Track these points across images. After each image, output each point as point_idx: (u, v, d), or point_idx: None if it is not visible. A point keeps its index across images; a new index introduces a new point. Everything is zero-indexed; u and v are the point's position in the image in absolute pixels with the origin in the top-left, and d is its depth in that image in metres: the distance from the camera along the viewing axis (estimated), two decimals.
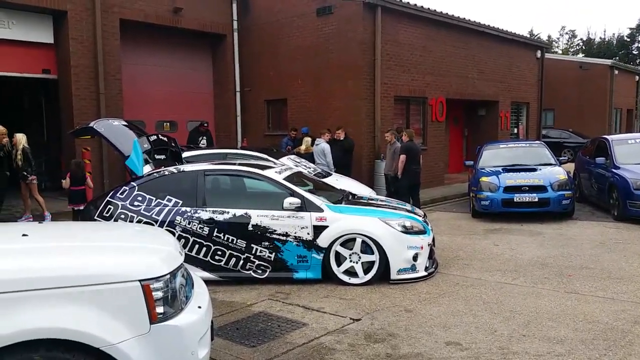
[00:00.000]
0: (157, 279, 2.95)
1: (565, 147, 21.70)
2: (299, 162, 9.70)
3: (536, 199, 9.67)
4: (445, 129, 15.92)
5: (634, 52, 44.91)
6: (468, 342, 4.44)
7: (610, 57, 37.05)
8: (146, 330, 2.87)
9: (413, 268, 6.15)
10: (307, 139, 11.76)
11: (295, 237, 6.06)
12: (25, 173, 8.99)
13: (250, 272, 6.14)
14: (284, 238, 6.07)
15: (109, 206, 6.23)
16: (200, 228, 6.08)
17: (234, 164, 6.96)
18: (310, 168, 9.71)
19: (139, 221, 6.08)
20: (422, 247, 6.20)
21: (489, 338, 4.51)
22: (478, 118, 18.03)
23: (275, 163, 8.33)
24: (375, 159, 12.81)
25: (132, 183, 6.40)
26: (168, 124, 14.10)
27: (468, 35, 15.65)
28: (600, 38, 49.36)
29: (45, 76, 11.98)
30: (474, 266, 6.84)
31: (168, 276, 3.03)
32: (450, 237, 8.58)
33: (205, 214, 6.10)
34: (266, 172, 6.43)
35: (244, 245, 6.07)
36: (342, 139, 11.70)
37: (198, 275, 4.17)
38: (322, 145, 11.15)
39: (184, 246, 6.02)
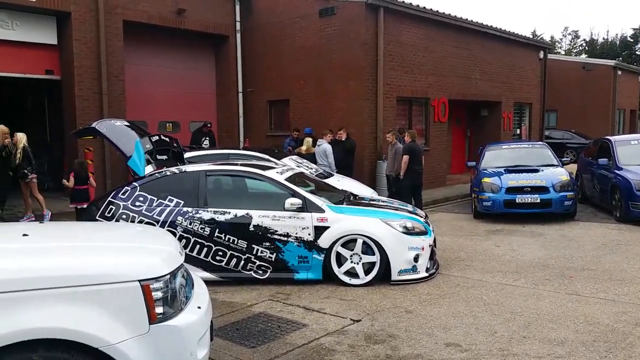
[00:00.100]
0: (156, 279, 2.96)
1: (568, 148, 21.65)
2: (300, 163, 9.71)
3: (538, 200, 9.65)
4: (448, 129, 15.91)
5: (637, 52, 44.75)
6: (468, 343, 4.44)
7: (614, 57, 36.94)
8: (145, 331, 2.87)
9: (414, 269, 6.15)
10: (308, 140, 11.76)
11: (296, 237, 6.06)
12: (25, 171, 9.05)
13: (251, 272, 6.15)
14: (285, 239, 6.07)
15: (111, 206, 6.25)
16: (201, 228, 6.09)
17: (236, 164, 6.97)
18: (312, 169, 9.72)
19: (141, 221, 6.10)
20: (423, 248, 6.20)
21: (489, 339, 4.50)
22: (480, 119, 18.01)
23: (276, 164, 8.34)
24: (377, 159, 12.82)
25: (133, 183, 6.41)
26: (170, 124, 14.13)
27: (470, 35, 15.64)
28: (604, 39, 49.21)
29: (49, 77, 12.02)
30: (475, 267, 6.84)
31: (168, 276, 3.04)
32: (451, 238, 8.57)
33: (206, 215, 6.12)
34: (267, 173, 6.44)
35: (245, 246, 6.08)
36: (343, 139, 11.71)
37: (199, 275, 4.18)
38: (324, 145, 11.16)
39: (185, 246, 6.03)
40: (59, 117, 12.34)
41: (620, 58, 40.06)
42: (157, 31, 13.18)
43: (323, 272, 6.11)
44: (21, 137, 9.12)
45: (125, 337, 2.80)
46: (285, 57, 13.97)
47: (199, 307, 3.26)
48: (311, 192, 6.49)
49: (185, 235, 6.09)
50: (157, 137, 7.41)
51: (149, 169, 6.69)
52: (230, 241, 6.08)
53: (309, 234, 6.05)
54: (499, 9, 70.33)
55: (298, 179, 6.81)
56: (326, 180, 8.55)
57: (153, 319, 2.90)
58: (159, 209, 6.19)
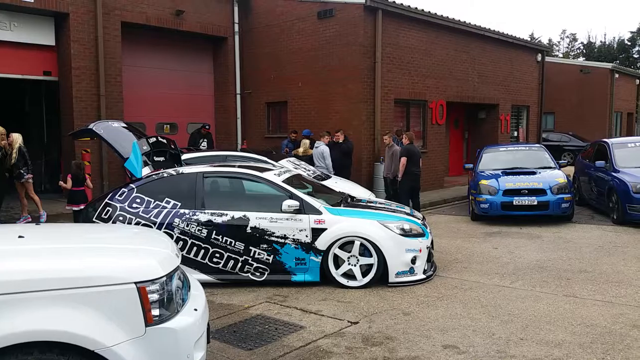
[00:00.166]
0: (153, 281, 2.95)
1: (565, 151, 21.69)
2: (298, 165, 9.70)
3: (535, 202, 9.66)
4: (446, 132, 15.93)
5: (634, 55, 44.92)
6: (465, 345, 4.43)
7: (611, 60, 37.07)
8: (141, 333, 2.86)
9: (411, 271, 6.14)
10: (305, 142, 11.75)
11: (293, 239, 6.06)
12: (21, 171, 9.04)
13: (249, 274, 6.14)
14: (283, 240, 6.06)
15: (108, 208, 6.24)
16: (198, 230, 6.08)
17: (233, 166, 6.96)
18: (309, 170, 9.71)
19: (137, 223, 6.09)
20: (420, 250, 6.19)
21: (486, 342, 4.50)
22: (478, 121, 18.04)
23: (274, 165, 8.34)
24: (374, 161, 12.82)
25: (130, 185, 6.40)
26: (168, 126, 14.13)
27: (468, 38, 15.67)
28: (601, 42, 49.42)
29: (46, 78, 12.02)
30: (473, 269, 6.84)
31: (164, 278, 3.03)
32: (449, 240, 8.57)
33: (203, 216, 6.11)
34: (265, 175, 6.44)
35: (242, 248, 6.07)
36: (341, 141, 11.71)
37: (196, 277, 4.17)
38: (322, 147, 11.15)
39: (182, 248, 6.02)
40: (56, 119, 12.32)
41: (618, 61, 40.21)
42: (155, 32, 13.18)
43: (320, 274, 6.10)
44: (16, 137, 9.12)
45: (121, 340, 2.78)
46: (284, 59, 13.97)
47: (195, 310, 3.25)
48: (309, 194, 6.48)
49: (183, 237, 6.08)
50: (154, 139, 7.40)
51: (146, 171, 6.68)
52: (228, 243, 6.07)
53: (307, 236, 6.05)
54: (497, 11, 70.54)
55: (295, 180, 6.81)
56: (324, 182, 8.55)
57: (149, 321, 2.89)
58: (156, 210, 6.17)
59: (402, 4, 13.21)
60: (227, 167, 6.85)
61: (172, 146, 7.62)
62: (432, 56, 14.46)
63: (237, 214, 6.10)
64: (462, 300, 5.59)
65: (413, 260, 6.12)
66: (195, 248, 6.09)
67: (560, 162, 11.42)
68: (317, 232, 6.04)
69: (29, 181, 9.21)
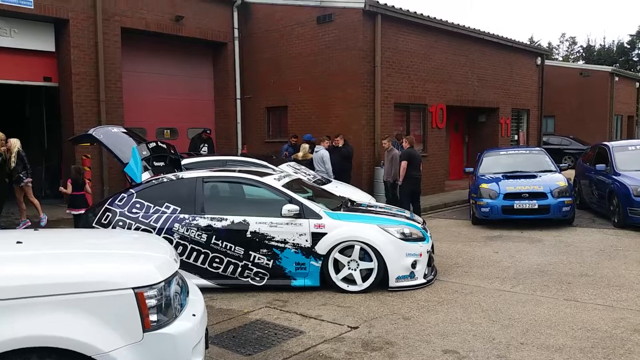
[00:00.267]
0: (151, 286, 2.94)
1: (565, 154, 21.67)
2: (298, 169, 9.70)
3: (536, 206, 9.64)
4: (446, 135, 15.92)
5: (634, 58, 44.93)
6: (466, 350, 4.41)
7: (611, 63, 37.12)
8: (139, 339, 2.85)
9: (412, 275, 6.13)
10: (305, 146, 11.75)
11: (293, 244, 6.04)
12: (20, 175, 9.06)
13: (248, 279, 6.12)
14: (282, 245, 6.05)
15: (107, 213, 6.23)
16: (198, 235, 6.07)
17: (233, 170, 6.96)
18: (309, 175, 9.71)
19: (137, 228, 6.08)
20: (420, 255, 6.18)
21: (487, 346, 4.48)
22: (478, 125, 18.04)
23: (274, 170, 8.33)
24: (375, 165, 12.82)
25: (130, 190, 6.40)
26: (168, 131, 14.14)
27: (468, 42, 15.69)
28: (601, 45, 49.44)
29: (47, 84, 12.04)
30: (473, 273, 6.82)
31: (162, 284, 3.02)
32: (449, 244, 8.56)
33: (203, 221, 6.10)
34: (265, 179, 6.43)
35: (242, 253, 6.06)
36: (341, 145, 11.70)
37: (196, 282, 4.17)
38: (322, 152, 11.16)
39: (182, 253, 6.01)
40: (56, 124, 12.34)
41: (617, 64, 40.22)
42: (155, 38, 13.22)
43: (320, 278, 6.09)
44: (15, 142, 9.14)
45: (119, 345, 2.78)
46: (283, 64, 14.00)
47: (193, 315, 3.24)
48: (309, 198, 6.47)
49: (182, 242, 6.07)
50: (154, 144, 7.41)
51: (145, 176, 6.69)
52: (227, 248, 6.06)
53: (307, 241, 6.03)
54: (496, 15, 70.70)
55: (295, 185, 6.80)
56: (324, 187, 8.54)
57: (147, 326, 2.88)
58: (155, 215, 6.17)
59: (401, 8, 13.23)
60: (226, 171, 6.85)
61: (172, 151, 7.63)
62: (431, 60, 14.48)
63: (237, 219, 6.09)
64: (462, 305, 5.57)
65: (413, 265, 6.11)
66: (195, 253, 6.08)
67: (561, 165, 11.41)
68: (317, 237, 6.03)
69: (28, 185, 9.22)
